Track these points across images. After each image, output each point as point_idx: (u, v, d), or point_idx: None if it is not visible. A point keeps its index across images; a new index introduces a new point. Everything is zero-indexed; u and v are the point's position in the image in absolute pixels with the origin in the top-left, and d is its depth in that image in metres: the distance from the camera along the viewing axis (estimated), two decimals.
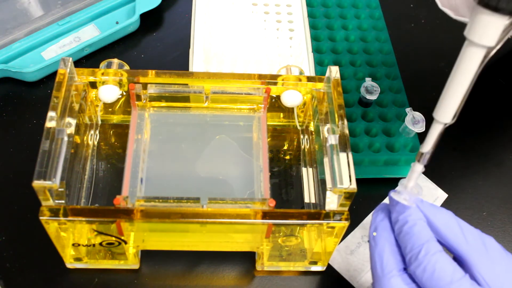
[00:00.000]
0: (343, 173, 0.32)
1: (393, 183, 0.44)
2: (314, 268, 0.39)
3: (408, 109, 0.43)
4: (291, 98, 0.39)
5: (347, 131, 0.34)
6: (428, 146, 0.29)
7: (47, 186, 0.30)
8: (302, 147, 0.42)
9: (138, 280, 0.38)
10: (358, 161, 0.42)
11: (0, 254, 0.38)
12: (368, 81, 0.44)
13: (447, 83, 0.27)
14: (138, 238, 0.36)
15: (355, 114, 0.44)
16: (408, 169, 0.43)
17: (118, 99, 0.39)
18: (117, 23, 0.52)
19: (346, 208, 0.33)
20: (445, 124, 0.28)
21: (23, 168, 0.42)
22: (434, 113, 0.28)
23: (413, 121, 0.42)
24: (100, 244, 0.35)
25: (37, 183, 0.30)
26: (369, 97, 0.44)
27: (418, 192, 0.31)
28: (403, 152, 0.42)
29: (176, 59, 0.51)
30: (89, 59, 0.50)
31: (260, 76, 0.38)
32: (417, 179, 0.31)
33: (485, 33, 0.25)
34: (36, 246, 0.38)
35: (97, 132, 0.41)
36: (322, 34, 0.50)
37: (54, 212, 0.32)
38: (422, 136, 0.43)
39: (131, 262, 0.37)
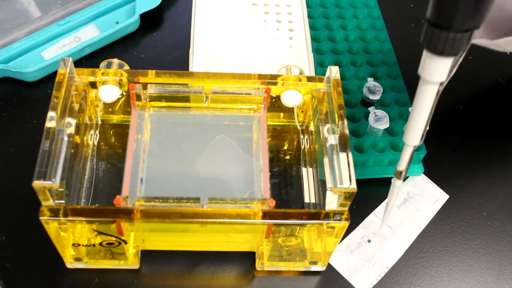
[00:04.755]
0: (343, 173, 0.32)
1: None
2: (314, 268, 0.39)
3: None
4: (291, 98, 0.39)
5: (347, 131, 0.34)
6: (403, 165, 0.34)
7: (47, 186, 0.30)
8: (302, 147, 0.42)
9: (138, 280, 0.38)
10: (362, 161, 0.42)
11: (0, 254, 0.38)
12: (371, 81, 0.44)
13: (411, 113, 0.31)
14: (138, 238, 0.36)
15: (358, 115, 0.44)
16: (413, 168, 0.44)
17: (118, 99, 0.39)
18: (117, 23, 0.52)
19: (346, 208, 0.33)
20: (415, 146, 0.32)
21: (23, 168, 0.42)
22: (404, 138, 0.32)
23: None
24: (100, 244, 0.35)
25: (37, 183, 0.30)
26: (371, 97, 0.44)
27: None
28: None
29: (176, 59, 0.51)
30: (89, 59, 0.50)
31: (260, 76, 0.38)
32: (397, 194, 0.36)
33: (436, 72, 0.28)
34: (36, 246, 0.38)
35: (97, 132, 0.41)
36: (321, 35, 0.50)
37: (54, 212, 0.32)
38: (425, 135, 0.43)
39: (131, 262, 0.37)
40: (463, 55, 0.29)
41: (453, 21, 0.26)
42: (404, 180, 0.34)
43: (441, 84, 0.30)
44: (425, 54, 0.28)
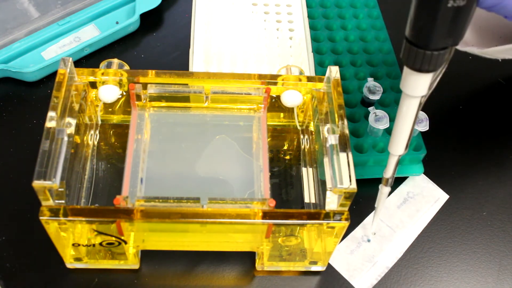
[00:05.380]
0: (343, 173, 0.32)
1: (394, 182, 0.44)
2: (314, 268, 0.39)
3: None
4: (291, 98, 0.39)
5: (347, 131, 0.34)
6: (389, 172, 0.35)
7: (47, 186, 0.30)
8: (302, 147, 0.42)
9: (138, 280, 0.38)
10: (362, 161, 0.42)
11: (0, 254, 0.38)
12: (370, 81, 0.44)
13: (395, 125, 0.32)
14: (138, 238, 0.36)
15: (358, 115, 0.44)
16: (413, 168, 0.44)
17: (118, 99, 0.39)
18: (117, 23, 0.52)
19: (346, 208, 0.33)
20: (400, 155, 0.33)
21: (23, 168, 0.42)
22: (389, 148, 0.33)
23: (417, 120, 0.42)
24: (100, 244, 0.35)
25: (37, 183, 0.30)
26: (371, 97, 0.44)
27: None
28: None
29: (176, 59, 0.51)
30: (89, 59, 0.50)
31: (260, 76, 0.38)
32: (384, 200, 0.37)
33: (416, 87, 0.29)
34: (36, 246, 0.38)
35: (97, 132, 0.41)
36: (321, 35, 0.50)
37: (54, 212, 0.32)
38: (425, 135, 0.43)
39: (131, 262, 0.37)
40: (445, 68, 0.29)
41: (429, 40, 0.27)
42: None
43: (423, 96, 0.30)
44: (405, 69, 0.29)
